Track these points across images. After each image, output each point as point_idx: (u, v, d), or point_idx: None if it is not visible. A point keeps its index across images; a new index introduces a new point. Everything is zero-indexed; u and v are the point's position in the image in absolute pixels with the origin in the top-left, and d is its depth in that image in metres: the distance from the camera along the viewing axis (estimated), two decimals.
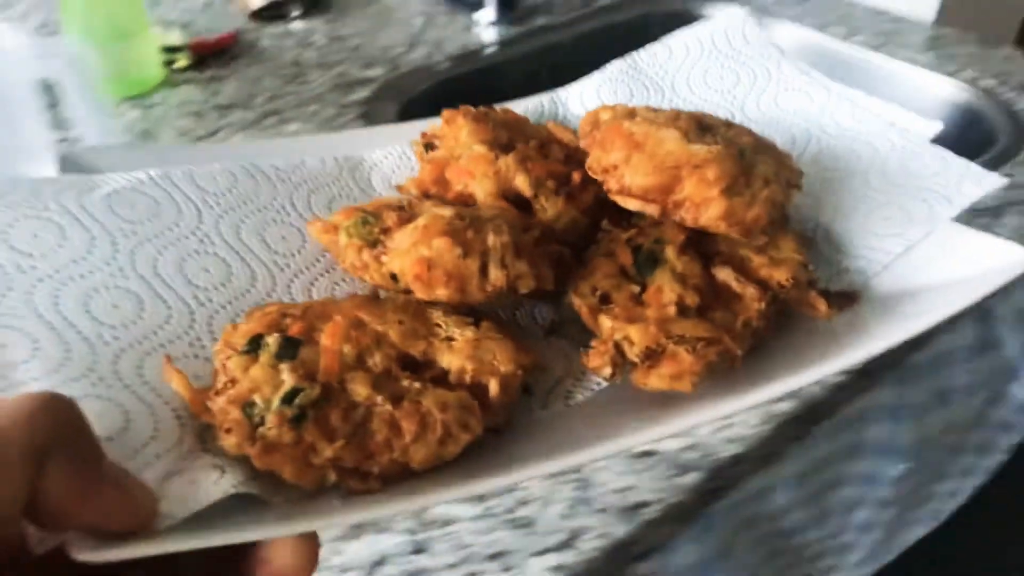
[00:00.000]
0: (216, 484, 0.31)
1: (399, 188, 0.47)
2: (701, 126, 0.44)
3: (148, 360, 0.36)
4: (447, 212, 0.38)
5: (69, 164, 0.44)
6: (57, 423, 0.25)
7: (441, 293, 0.36)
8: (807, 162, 0.51)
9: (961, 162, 0.47)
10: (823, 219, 0.49)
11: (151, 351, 0.36)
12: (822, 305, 0.40)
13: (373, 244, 0.37)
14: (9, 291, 0.35)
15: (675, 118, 0.44)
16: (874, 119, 0.52)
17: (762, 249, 0.42)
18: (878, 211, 0.47)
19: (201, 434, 0.35)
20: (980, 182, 0.46)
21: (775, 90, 0.56)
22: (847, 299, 0.43)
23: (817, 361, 0.37)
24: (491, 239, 0.36)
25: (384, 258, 0.37)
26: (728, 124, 0.46)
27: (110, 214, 0.40)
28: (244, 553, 0.30)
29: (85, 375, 0.34)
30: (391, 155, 0.52)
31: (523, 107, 0.55)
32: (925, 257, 0.44)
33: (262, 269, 0.43)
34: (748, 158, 0.42)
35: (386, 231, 0.38)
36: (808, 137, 0.53)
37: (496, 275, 0.36)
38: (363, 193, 0.49)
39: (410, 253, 0.36)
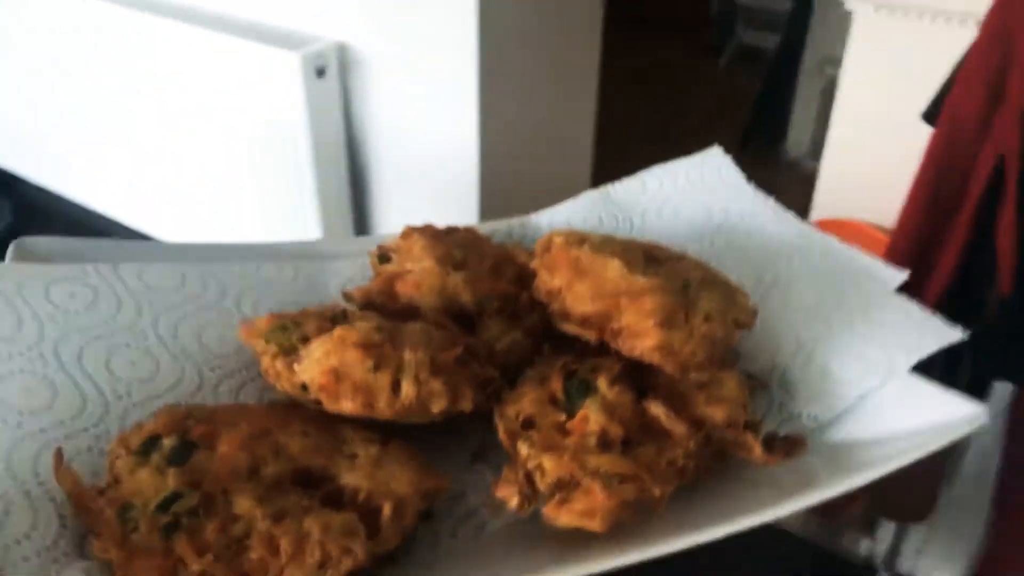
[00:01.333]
0: None
1: (344, 295, 0.46)
2: (649, 257, 0.44)
3: (47, 452, 0.35)
4: (367, 324, 0.37)
5: (23, 253, 0.44)
6: None
7: (347, 406, 0.35)
8: (773, 302, 0.50)
9: (923, 314, 0.46)
10: (781, 361, 0.47)
11: (53, 442, 0.35)
12: (756, 448, 0.38)
13: (288, 352, 0.37)
14: None
15: (624, 248, 0.44)
16: (843, 264, 0.51)
17: (703, 386, 0.40)
18: (837, 358, 0.45)
19: (82, 539, 0.33)
20: (940, 335, 0.44)
21: (747, 227, 0.56)
22: (793, 445, 0.40)
23: (745, 512, 0.34)
24: (407, 354, 0.35)
25: (296, 366, 0.36)
26: (680, 257, 0.45)
27: (45, 302, 0.40)
28: None
29: None
30: (353, 265, 0.52)
31: (491, 228, 0.55)
32: (879, 407, 0.42)
33: (192, 368, 0.42)
34: (692, 292, 0.41)
35: (305, 340, 0.37)
36: (776, 277, 0.52)
37: (408, 391, 0.35)
38: (317, 300, 0.49)
39: (320, 363, 0.35)
